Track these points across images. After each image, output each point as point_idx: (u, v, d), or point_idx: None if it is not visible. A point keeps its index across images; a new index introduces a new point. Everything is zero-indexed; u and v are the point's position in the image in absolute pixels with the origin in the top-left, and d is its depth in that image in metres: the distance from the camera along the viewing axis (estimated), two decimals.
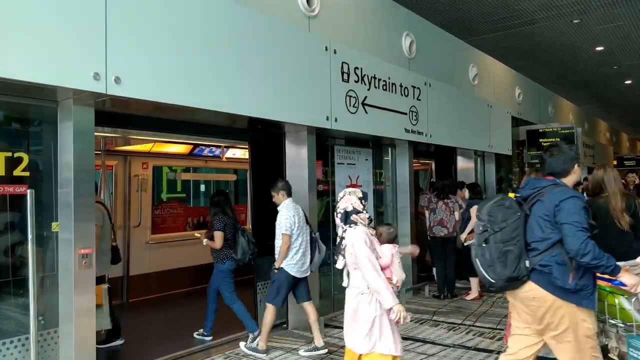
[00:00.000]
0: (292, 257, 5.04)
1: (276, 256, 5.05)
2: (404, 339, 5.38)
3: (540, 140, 12.05)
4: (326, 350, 5.00)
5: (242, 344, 5.16)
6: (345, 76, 5.90)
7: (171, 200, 8.61)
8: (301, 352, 5.00)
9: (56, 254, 3.84)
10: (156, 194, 8.19)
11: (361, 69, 6.14)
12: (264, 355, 4.96)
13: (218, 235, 5.33)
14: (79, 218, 3.74)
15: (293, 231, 5.02)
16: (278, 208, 5.13)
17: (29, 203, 3.34)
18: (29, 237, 3.36)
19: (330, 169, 6.58)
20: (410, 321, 6.10)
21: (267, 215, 6.04)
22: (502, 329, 5.66)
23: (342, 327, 5.76)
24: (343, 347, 5.09)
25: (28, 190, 3.39)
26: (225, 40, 4.51)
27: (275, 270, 5.04)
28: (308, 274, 5.20)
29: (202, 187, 10.42)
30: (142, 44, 3.84)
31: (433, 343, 5.24)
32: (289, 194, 5.18)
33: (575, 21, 10.29)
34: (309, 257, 5.17)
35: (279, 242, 5.02)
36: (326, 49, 5.64)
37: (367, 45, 6.95)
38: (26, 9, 3.22)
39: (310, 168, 5.77)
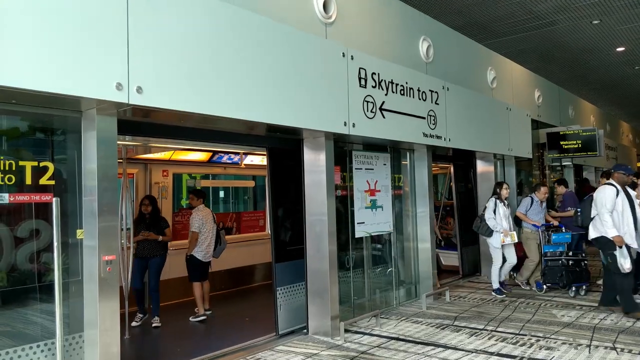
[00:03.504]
0: (199, 247, 6.80)
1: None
2: (425, 344, 5.35)
3: (561, 142, 11.88)
4: (205, 317, 6.77)
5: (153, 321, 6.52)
6: (363, 82, 5.91)
7: (191, 207, 8.70)
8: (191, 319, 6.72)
9: (81, 260, 3.91)
10: (176, 201, 8.29)
11: (378, 74, 6.15)
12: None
13: (169, 232, 6.86)
14: (103, 225, 3.81)
15: (201, 229, 6.77)
16: (193, 210, 6.99)
17: (54, 211, 3.41)
18: (55, 244, 3.43)
19: (349, 174, 6.58)
20: (432, 327, 6.06)
21: (286, 221, 6.08)
22: (525, 335, 5.58)
23: (363, 333, 5.77)
24: (364, 352, 5.11)
25: (53, 199, 3.46)
26: (244, 49, 4.56)
27: (187, 257, 6.82)
28: (211, 259, 6.99)
29: (222, 194, 10.52)
30: (162, 55, 3.91)
31: (455, 349, 5.19)
32: (201, 200, 7.02)
33: (596, 22, 10.18)
34: (212, 247, 6.97)
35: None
36: (343, 55, 5.66)
37: (384, 50, 6.96)
38: (49, 21, 3.31)
39: (329, 173, 5.78)
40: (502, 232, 7.57)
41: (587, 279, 7.60)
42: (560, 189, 9.12)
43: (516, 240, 7.74)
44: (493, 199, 7.81)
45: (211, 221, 7.00)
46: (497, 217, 7.64)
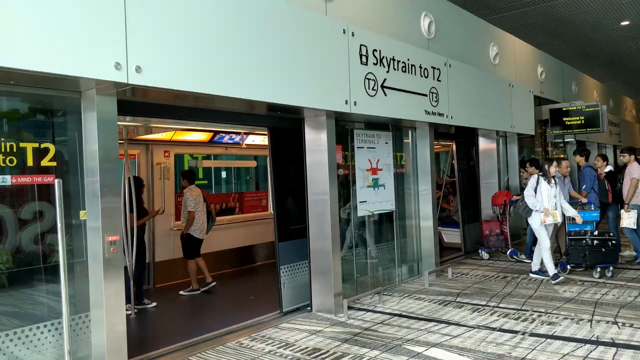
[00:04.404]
0: (194, 225, 7.11)
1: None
2: (427, 320, 5.40)
3: (564, 119, 11.81)
4: (214, 284, 7.22)
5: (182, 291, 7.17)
6: (364, 59, 5.85)
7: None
8: (181, 293, 7.18)
9: (85, 241, 3.93)
10: (178, 181, 8.29)
11: (380, 51, 6.09)
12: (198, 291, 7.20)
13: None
14: (106, 206, 3.82)
15: (195, 208, 7.09)
16: (184, 191, 7.26)
17: (57, 192, 3.41)
18: (59, 225, 3.44)
19: (350, 153, 6.56)
20: (434, 303, 6.11)
21: (288, 201, 6.09)
22: (527, 310, 5.63)
23: (366, 310, 5.82)
24: (367, 329, 5.16)
25: (56, 180, 3.46)
26: (243, 27, 4.50)
27: (184, 235, 7.15)
28: (205, 236, 7.30)
29: (224, 174, 10.53)
30: (160, 33, 3.86)
31: (457, 324, 5.24)
32: (192, 181, 7.29)
33: None
34: (206, 224, 7.30)
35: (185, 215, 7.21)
36: (344, 32, 5.59)
37: (386, 26, 6.87)
38: (47, 1, 3.26)
39: (330, 152, 5.76)
40: (542, 211, 6.96)
41: (614, 260, 7.18)
42: (532, 170, 8.34)
43: (559, 220, 7.10)
44: (536, 175, 7.23)
45: (202, 200, 7.26)
46: (538, 195, 7.02)
